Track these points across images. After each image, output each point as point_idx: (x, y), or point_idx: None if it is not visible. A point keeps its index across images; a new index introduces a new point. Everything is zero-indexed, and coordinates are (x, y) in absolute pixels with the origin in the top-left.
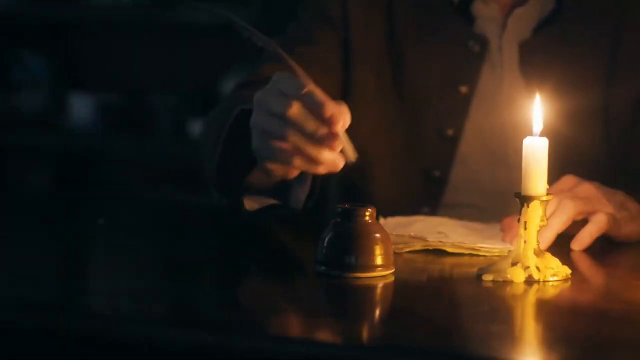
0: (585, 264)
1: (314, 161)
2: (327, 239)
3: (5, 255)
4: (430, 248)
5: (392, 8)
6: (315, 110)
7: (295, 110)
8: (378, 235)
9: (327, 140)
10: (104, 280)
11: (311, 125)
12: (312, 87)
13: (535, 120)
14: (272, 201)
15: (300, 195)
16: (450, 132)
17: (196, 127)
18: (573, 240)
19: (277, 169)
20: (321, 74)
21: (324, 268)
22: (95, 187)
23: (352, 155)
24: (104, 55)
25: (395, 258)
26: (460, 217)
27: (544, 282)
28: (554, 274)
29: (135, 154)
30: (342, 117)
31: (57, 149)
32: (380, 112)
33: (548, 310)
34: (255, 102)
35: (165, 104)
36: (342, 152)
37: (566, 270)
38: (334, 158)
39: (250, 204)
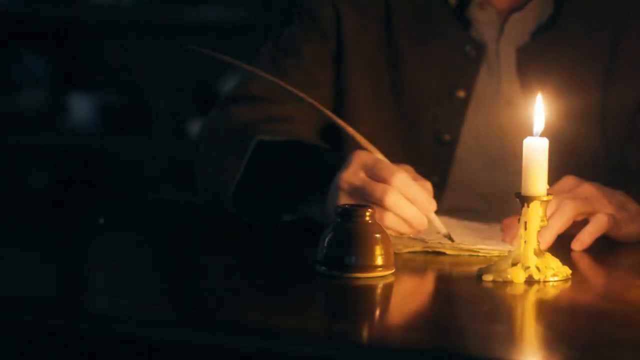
0: (585, 264)
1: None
2: (327, 239)
3: (5, 255)
4: (430, 249)
5: (388, 13)
6: (409, 196)
7: (394, 199)
8: (378, 235)
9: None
10: (104, 280)
11: (407, 212)
12: (381, 157)
13: (536, 119)
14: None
15: (330, 207)
16: (447, 137)
17: (195, 127)
18: (573, 240)
19: None
20: (309, 89)
21: (324, 268)
22: (95, 187)
23: (443, 230)
24: (104, 55)
25: (395, 258)
26: (459, 219)
27: (544, 282)
28: (554, 274)
29: (135, 154)
30: (433, 205)
31: (57, 148)
32: (377, 118)
33: (548, 310)
34: (339, 184)
35: (165, 104)
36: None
37: (566, 270)
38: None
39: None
